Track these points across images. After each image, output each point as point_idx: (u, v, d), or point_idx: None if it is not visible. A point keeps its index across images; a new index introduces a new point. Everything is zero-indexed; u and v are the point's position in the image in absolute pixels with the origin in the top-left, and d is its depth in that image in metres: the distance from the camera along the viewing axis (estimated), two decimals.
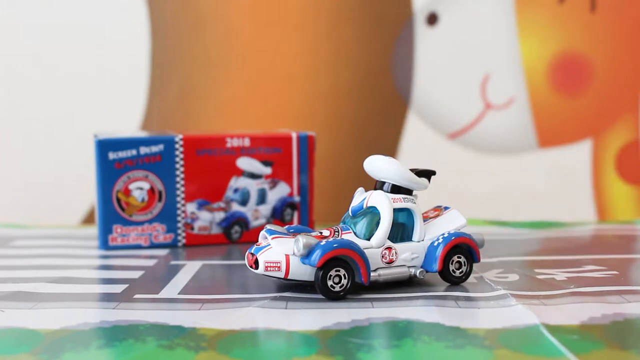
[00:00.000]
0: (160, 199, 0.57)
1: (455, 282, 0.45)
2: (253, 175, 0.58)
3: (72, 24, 0.76)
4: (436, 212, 0.47)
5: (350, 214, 0.45)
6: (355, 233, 0.44)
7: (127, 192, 0.56)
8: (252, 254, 0.43)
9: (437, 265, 0.44)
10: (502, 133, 0.79)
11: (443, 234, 0.45)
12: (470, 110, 0.79)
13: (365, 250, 0.42)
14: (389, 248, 0.43)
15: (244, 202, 0.58)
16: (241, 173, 0.58)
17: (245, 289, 0.44)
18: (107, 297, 0.42)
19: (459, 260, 0.45)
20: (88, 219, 0.77)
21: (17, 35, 0.76)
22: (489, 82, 0.79)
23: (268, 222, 0.59)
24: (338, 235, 0.43)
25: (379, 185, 0.45)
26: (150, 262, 0.52)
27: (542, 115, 0.79)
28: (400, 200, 0.44)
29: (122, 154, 0.56)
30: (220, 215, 0.58)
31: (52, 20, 0.76)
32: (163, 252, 0.56)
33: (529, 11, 0.78)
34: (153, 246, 0.57)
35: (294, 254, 0.42)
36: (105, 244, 0.56)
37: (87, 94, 0.77)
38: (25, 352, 0.33)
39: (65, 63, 0.76)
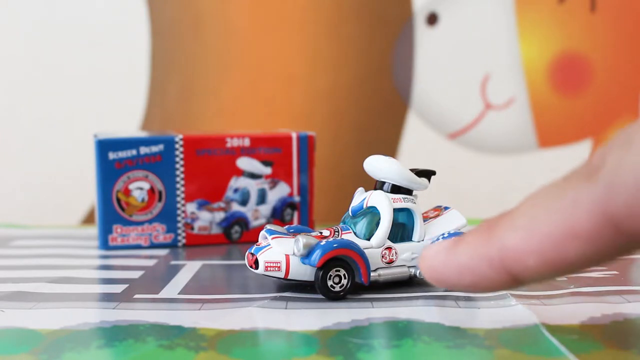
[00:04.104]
0: (160, 199, 0.57)
1: None
2: (253, 175, 0.58)
3: (72, 24, 0.76)
4: (436, 212, 0.47)
5: (350, 214, 0.45)
6: (355, 233, 0.44)
7: (127, 192, 0.56)
8: (252, 254, 0.43)
9: None
10: (502, 133, 0.79)
11: (443, 234, 0.45)
12: (470, 110, 0.79)
13: (365, 250, 0.42)
14: (389, 248, 0.43)
15: (244, 202, 0.58)
16: (241, 173, 0.58)
17: (245, 289, 0.44)
18: (107, 297, 0.42)
19: None
20: (88, 219, 0.77)
21: (17, 35, 0.76)
22: (489, 82, 0.79)
23: (268, 222, 0.59)
24: (338, 235, 0.43)
25: (379, 185, 0.45)
26: (150, 262, 0.52)
27: (542, 115, 0.79)
28: (400, 200, 0.44)
29: (122, 154, 0.56)
30: (220, 215, 0.58)
31: (53, 20, 0.76)
32: (163, 252, 0.56)
33: (529, 11, 0.78)
34: (153, 246, 0.57)
35: (294, 254, 0.42)
36: (105, 244, 0.56)
37: (87, 94, 0.77)
38: (25, 352, 0.33)
39: (65, 63, 0.76)
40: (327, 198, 0.74)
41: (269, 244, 0.43)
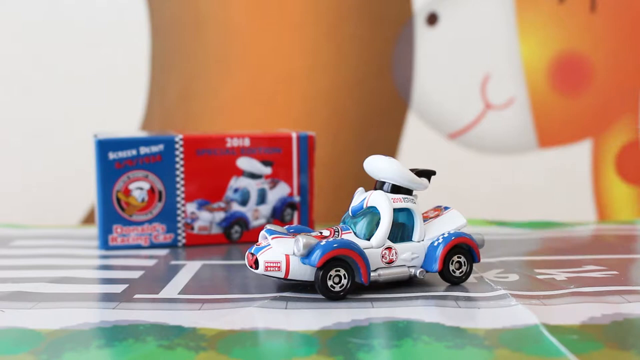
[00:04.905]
0: (160, 199, 0.57)
1: (455, 282, 0.45)
2: (253, 175, 0.58)
3: (72, 24, 0.76)
4: (436, 212, 0.47)
5: (350, 214, 0.45)
6: (355, 233, 0.44)
7: (127, 192, 0.56)
8: (252, 254, 0.43)
9: (437, 265, 0.44)
10: (502, 133, 0.79)
11: (443, 234, 0.45)
12: (470, 110, 0.79)
13: (365, 250, 0.42)
14: (389, 248, 0.43)
15: (244, 202, 0.58)
16: (241, 173, 0.58)
17: (245, 289, 0.44)
18: (107, 297, 0.42)
19: (459, 260, 0.45)
20: (88, 219, 0.77)
21: (17, 35, 0.76)
22: (489, 82, 0.79)
23: (268, 222, 0.59)
24: (338, 235, 0.43)
25: (379, 185, 0.45)
26: (150, 262, 0.52)
27: (542, 115, 0.79)
28: (400, 200, 0.44)
29: (122, 154, 0.56)
30: (220, 215, 0.58)
31: (52, 20, 0.76)
32: (163, 252, 0.56)
33: (529, 11, 0.78)
34: (153, 246, 0.57)
35: (294, 254, 0.42)
36: (105, 244, 0.56)
37: (87, 94, 0.77)
38: (25, 352, 0.33)
39: (65, 63, 0.76)
40: (327, 198, 0.74)
41: (269, 244, 0.43)
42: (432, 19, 0.78)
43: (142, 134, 0.59)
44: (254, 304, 0.41)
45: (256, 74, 0.78)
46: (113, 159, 0.55)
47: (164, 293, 0.43)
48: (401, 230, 0.44)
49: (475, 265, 0.47)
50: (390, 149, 0.79)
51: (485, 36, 0.78)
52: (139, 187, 0.56)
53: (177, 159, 0.57)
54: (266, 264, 0.42)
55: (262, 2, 0.77)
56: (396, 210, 0.44)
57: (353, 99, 0.78)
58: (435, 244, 0.44)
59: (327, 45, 0.77)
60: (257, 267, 0.42)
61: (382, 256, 0.43)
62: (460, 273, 0.45)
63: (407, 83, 0.78)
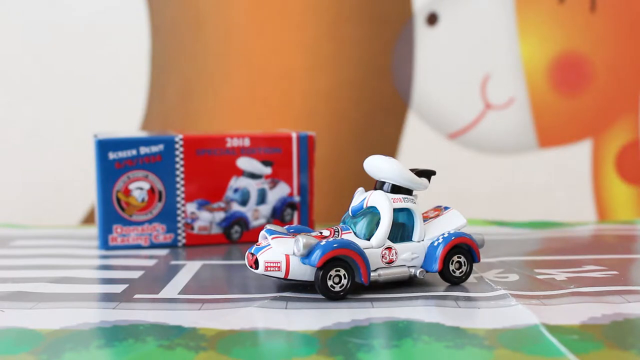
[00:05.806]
0: (160, 199, 0.57)
1: (455, 282, 0.45)
2: (253, 175, 0.58)
3: (72, 24, 0.76)
4: (436, 212, 0.47)
5: (350, 214, 0.45)
6: (355, 233, 0.44)
7: (127, 192, 0.56)
8: (252, 254, 0.43)
9: (437, 265, 0.44)
10: (502, 133, 0.79)
11: (443, 234, 0.45)
12: (470, 110, 0.79)
13: (365, 250, 0.42)
14: (389, 248, 0.43)
15: (244, 202, 0.58)
16: (241, 173, 0.58)
17: (245, 289, 0.44)
18: (107, 297, 0.42)
19: (459, 260, 0.45)
20: (88, 219, 0.77)
21: (17, 35, 0.76)
22: (489, 82, 0.79)
23: (268, 222, 0.59)
24: (338, 235, 0.43)
25: (379, 185, 0.45)
26: (150, 262, 0.52)
27: (542, 115, 0.79)
28: (400, 200, 0.44)
29: (122, 154, 0.56)
30: (220, 215, 0.58)
31: (52, 20, 0.76)
32: (163, 252, 0.56)
33: (529, 11, 0.78)
34: (153, 246, 0.57)
35: (294, 254, 0.42)
36: (105, 244, 0.56)
37: (87, 94, 0.77)
38: (25, 352, 0.33)
39: (65, 63, 0.76)
40: (327, 198, 0.74)
41: (269, 244, 0.43)
42: (432, 19, 0.78)
43: (142, 134, 0.59)
44: (254, 304, 0.41)
45: (256, 74, 0.78)
46: (113, 159, 0.55)
47: (164, 293, 0.43)
48: (401, 230, 0.44)
49: (475, 265, 0.47)
50: (390, 149, 0.79)
51: (485, 36, 0.78)
52: (139, 187, 0.56)
53: (177, 159, 0.57)
54: (266, 264, 0.42)
55: (262, 2, 0.77)
56: (396, 210, 0.44)
57: (353, 99, 0.78)
58: (435, 244, 0.44)
59: (327, 45, 0.77)
60: (257, 267, 0.42)
61: (382, 256, 0.43)
62: (460, 273, 0.45)
63: (407, 83, 0.78)
